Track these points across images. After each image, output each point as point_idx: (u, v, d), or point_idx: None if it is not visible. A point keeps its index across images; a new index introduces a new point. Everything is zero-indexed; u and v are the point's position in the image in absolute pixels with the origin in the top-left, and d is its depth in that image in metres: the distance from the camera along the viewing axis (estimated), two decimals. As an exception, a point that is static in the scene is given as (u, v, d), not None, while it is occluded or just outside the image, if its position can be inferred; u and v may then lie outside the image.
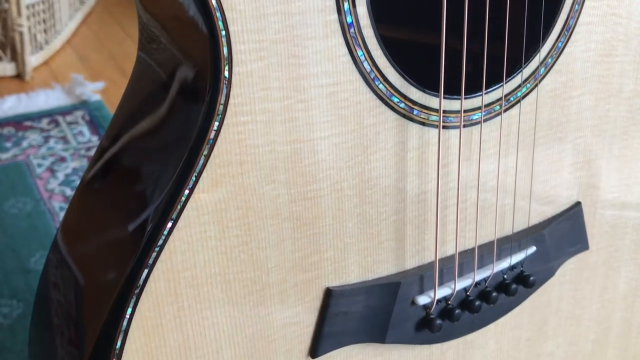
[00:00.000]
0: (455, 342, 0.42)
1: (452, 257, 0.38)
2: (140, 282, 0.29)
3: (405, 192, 0.36)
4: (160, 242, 0.29)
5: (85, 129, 1.31)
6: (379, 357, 0.39)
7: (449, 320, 0.39)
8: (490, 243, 0.39)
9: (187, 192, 0.29)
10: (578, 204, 0.43)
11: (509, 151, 0.39)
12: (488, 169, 0.38)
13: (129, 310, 0.30)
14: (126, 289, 0.29)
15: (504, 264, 0.40)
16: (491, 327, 0.43)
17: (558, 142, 0.41)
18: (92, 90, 1.42)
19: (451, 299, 0.39)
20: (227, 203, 0.30)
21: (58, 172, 1.21)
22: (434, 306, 0.38)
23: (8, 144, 1.28)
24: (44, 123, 1.37)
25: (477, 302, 0.39)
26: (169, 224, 0.29)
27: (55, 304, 0.35)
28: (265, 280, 0.33)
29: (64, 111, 1.40)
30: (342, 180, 0.33)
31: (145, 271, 0.29)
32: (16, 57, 1.53)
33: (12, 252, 1.04)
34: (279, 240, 0.33)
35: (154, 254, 0.29)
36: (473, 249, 0.39)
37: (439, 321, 0.38)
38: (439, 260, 0.38)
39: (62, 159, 1.25)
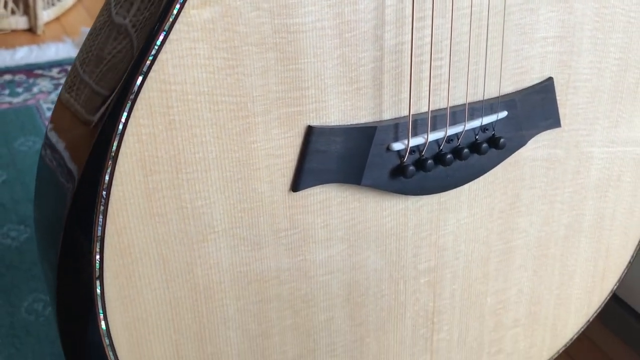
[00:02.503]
0: (429, 200, 0.45)
1: (426, 112, 0.41)
2: (135, 87, 0.32)
3: (383, 40, 0.38)
4: (154, 51, 0.32)
5: (94, 75, 1.34)
6: (356, 202, 0.42)
7: (422, 170, 0.42)
8: (464, 104, 0.42)
9: (178, 6, 0.32)
10: (550, 79, 0.46)
11: (482, 15, 0.42)
12: (462, 30, 0.41)
13: (125, 115, 0.33)
14: (122, 94, 0.33)
15: (476, 122, 0.43)
16: (464, 191, 0.46)
17: (530, 13, 0.43)
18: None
19: (424, 150, 0.42)
20: (215, 23, 0.33)
21: (67, 111, 1.23)
22: (407, 154, 0.41)
23: (19, 89, 1.33)
24: (54, 72, 1.41)
25: (449, 156, 0.42)
26: (162, 35, 0.32)
27: (53, 143, 0.39)
28: (251, 108, 0.36)
29: (74, 61, 1.43)
30: (323, 19, 0.36)
31: (140, 77, 0.32)
32: (28, 11, 1.57)
33: (21, 184, 1.08)
34: (264, 70, 0.36)
35: (148, 62, 0.32)
36: (447, 107, 0.42)
37: (411, 167, 0.41)
38: (414, 114, 0.41)
39: (71, 101, 1.27)
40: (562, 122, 0.48)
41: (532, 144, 0.48)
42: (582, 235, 0.55)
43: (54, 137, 0.38)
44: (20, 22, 1.56)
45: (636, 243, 0.59)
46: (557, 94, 0.47)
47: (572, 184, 0.52)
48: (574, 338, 0.60)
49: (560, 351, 0.60)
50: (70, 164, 0.35)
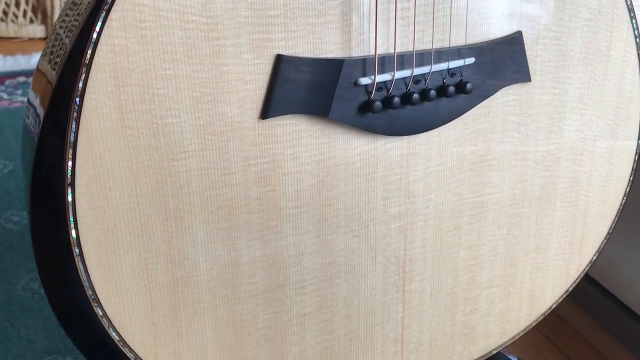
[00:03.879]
0: (398, 144, 0.46)
1: (393, 52, 0.43)
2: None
3: (351, -23, 0.41)
4: (128, -35, 0.35)
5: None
6: (325, 138, 0.44)
7: (389, 108, 0.43)
8: (430, 47, 0.44)
9: None
10: (519, 32, 0.48)
11: (449, -38, 0.44)
12: (429, -25, 0.43)
13: (99, 24, 0.35)
14: (97, 5, 0.35)
15: (442, 65, 0.44)
16: (434, 138, 0.47)
17: (497, -35, 0.46)
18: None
19: (391, 87, 0.43)
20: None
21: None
22: (374, 90, 0.43)
23: (32, 90, 1.37)
24: (67, 76, 1.45)
25: (416, 96, 0.44)
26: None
27: (32, 96, 0.41)
28: (221, 30, 0.38)
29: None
30: (291, -50, 0.39)
31: (114, -11, 0.35)
32: (46, 20, 1.63)
33: (26, 174, 1.12)
34: (233, 3, 0.38)
35: (122, -25, 0.35)
36: (414, 50, 0.43)
37: (378, 103, 0.43)
38: (382, 54, 0.43)
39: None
40: (532, 78, 0.50)
41: (502, 96, 0.49)
42: (558, 199, 0.56)
43: (32, 94, 0.41)
44: (37, 30, 1.62)
45: (614, 214, 0.60)
46: (526, 49, 0.49)
47: (545, 144, 0.53)
48: (553, 307, 0.60)
49: (539, 319, 0.60)
50: (49, 76, 0.37)
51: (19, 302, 0.86)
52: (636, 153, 0.58)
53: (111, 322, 0.40)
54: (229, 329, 0.45)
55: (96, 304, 0.40)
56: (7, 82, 1.36)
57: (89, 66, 0.35)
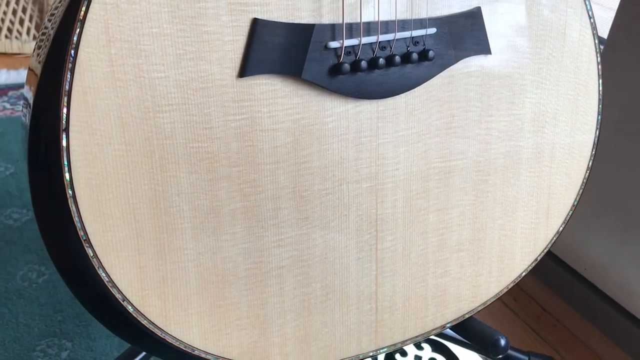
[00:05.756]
0: (368, 107, 0.50)
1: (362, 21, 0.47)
2: (102, -39, 0.39)
3: (320, -49, 0.45)
4: None
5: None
6: (299, 98, 0.48)
7: (357, 71, 0.47)
8: (395, 18, 0.48)
9: None
10: (478, 7, 0.52)
11: (410, -60, 0.48)
12: (392, -48, 0.48)
13: (93, -16, 0.39)
14: (91, -34, 0.39)
15: (406, 33, 0.49)
16: (401, 104, 0.52)
17: (455, -55, 0.50)
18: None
19: (359, 52, 0.47)
20: None
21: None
22: (342, 53, 0.47)
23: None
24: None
25: (382, 60, 0.48)
26: None
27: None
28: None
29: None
30: None
31: (106, -47, 0.39)
32: (49, 37, 1.68)
33: (27, 177, 1.16)
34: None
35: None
36: (379, 19, 0.48)
37: (346, 65, 0.47)
38: (350, 22, 0.47)
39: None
40: (492, 51, 0.54)
41: (464, 67, 0.53)
42: (522, 168, 0.60)
43: (25, 88, 0.45)
44: (40, 47, 1.68)
45: (578, 187, 0.64)
46: (486, 23, 0.53)
47: (507, 114, 0.57)
48: (523, 275, 0.64)
49: (510, 286, 0.63)
50: (42, 50, 0.42)
51: (17, 291, 0.89)
52: (596, 128, 0.62)
53: (101, 263, 0.44)
54: (211, 277, 0.48)
55: (87, 245, 0.43)
56: (10, 93, 1.42)
57: (82, 22, 0.40)
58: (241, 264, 0.49)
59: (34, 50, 0.45)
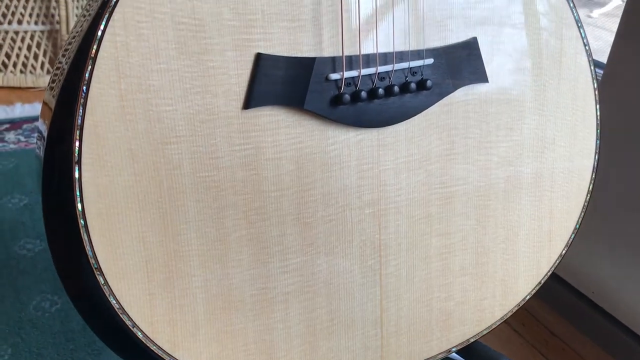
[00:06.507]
0: (369, 136, 0.52)
1: (360, 53, 0.49)
2: (112, 3, 0.41)
3: (320, -13, 0.47)
4: (128, -25, 0.41)
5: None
6: (302, 128, 0.49)
7: (357, 101, 0.49)
8: (392, 50, 0.50)
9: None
10: (474, 38, 0.54)
11: (407, -24, 0.50)
12: (390, -13, 0.50)
13: (103, 24, 0.41)
14: (102, 8, 0.41)
15: (404, 64, 0.50)
16: (401, 132, 0.53)
17: (450, -21, 0.52)
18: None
19: (358, 83, 0.49)
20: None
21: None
22: (343, 85, 0.49)
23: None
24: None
25: (381, 90, 0.50)
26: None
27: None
28: (208, 31, 0.45)
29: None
30: (267, -36, 0.45)
31: (116, -5, 0.41)
32: (62, 71, 1.72)
33: (40, 207, 1.18)
34: (217, 4, 0.44)
35: (123, -18, 0.41)
36: (377, 51, 0.49)
37: (347, 95, 0.48)
38: (349, 54, 0.49)
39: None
40: (489, 79, 0.56)
41: (463, 95, 0.55)
42: (523, 193, 0.61)
43: (40, 121, 0.47)
44: (54, 81, 1.72)
45: (580, 210, 0.65)
46: (482, 53, 0.55)
47: (506, 140, 0.58)
48: (527, 299, 0.64)
49: (514, 310, 0.64)
50: (55, 84, 0.44)
51: (30, 320, 0.90)
52: (596, 153, 0.64)
53: (112, 290, 0.45)
54: (218, 303, 0.49)
55: (99, 273, 0.45)
56: (25, 126, 1.45)
57: (94, 59, 0.42)
58: (247, 290, 0.50)
59: (49, 84, 0.48)
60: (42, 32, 1.67)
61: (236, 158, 0.48)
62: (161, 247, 0.47)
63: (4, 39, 1.65)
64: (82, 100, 0.42)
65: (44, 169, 0.43)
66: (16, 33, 1.64)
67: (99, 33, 0.42)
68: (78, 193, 0.43)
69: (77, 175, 0.43)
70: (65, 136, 0.43)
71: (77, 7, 1.65)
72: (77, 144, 0.43)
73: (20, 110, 1.52)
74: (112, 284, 0.45)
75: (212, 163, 0.47)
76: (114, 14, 0.42)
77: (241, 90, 0.47)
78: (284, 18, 0.47)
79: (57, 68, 0.46)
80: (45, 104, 0.47)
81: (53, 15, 1.67)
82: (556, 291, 0.98)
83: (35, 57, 1.68)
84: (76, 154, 0.43)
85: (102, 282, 0.45)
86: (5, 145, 1.39)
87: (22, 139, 1.40)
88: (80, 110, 0.42)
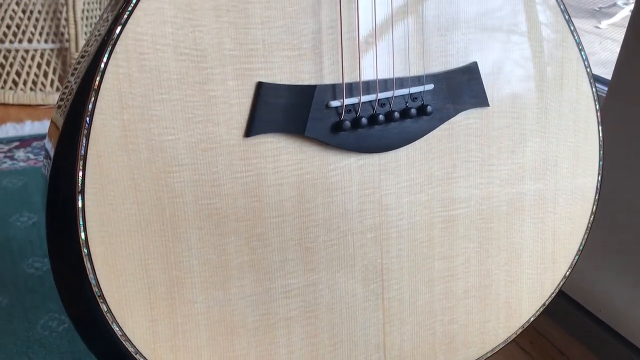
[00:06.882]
0: (370, 161, 0.52)
1: (360, 79, 0.50)
2: (115, 35, 0.42)
3: (321, 16, 0.48)
4: (130, 8, 0.42)
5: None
6: (304, 154, 0.50)
7: (358, 127, 0.49)
8: (392, 76, 0.51)
9: (150, -26, 0.42)
10: (474, 62, 0.54)
11: (406, 2, 0.51)
12: (386, 13, 0.50)
13: (106, 56, 0.42)
14: (105, 40, 0.42)
15: (404, 91, 0.51)
16: (402, 156, 0.53)
17: (450, 5, 0.53)
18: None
19: (359, 109, 0.50)
20: (179, -9, 0.43)
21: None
22: (343, 112, 0.49)
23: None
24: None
25: (381, 117, 0.50)
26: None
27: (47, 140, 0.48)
28: (209, 61, 0.45)
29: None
30: (268, -6, 0.46)
31: (119, 27, 0.42)
32: (72, 88, 1.74)
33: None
34: (219, 31, 0.45)
35: (126, 16, 0.42)
36: (377, 78, 0.50)
37: (347, 122, 0.49)
38: (349, 82, 0.49)
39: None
40: (490, 103, 0.56)
41: (464, 119, 0.55)
42: (525, 215, 0.61)
43: (47, 140, 0.48)
44: (63, 98, 1.74)
45: (584, 231, 0.64)
46: (483, 77, 0.55)
47: (508, 163, 0.58)
48: (531, 320, 0.64)
49: (519, 332, 0.64)
50: (63, 104, 0.44)
51: (37, 340, 0.91)
52: (598, 174, 0.64)
53: (114, 318, 0.46)
54: (221, 329, 0.50)
55: (102, 300, 0.45)
56: (34, 144, 1.46)
57: (97, 91, 0.42)
58: (250, 316, 0.51)
59: (57, 102, 0.48)
60: (51, 50, 1.69)
61: (238, 185, 0.48)
62: (163, 274, 0.47)
63: (14, 58, 1.67)
64: (85, 132, 0.43)
65: (48, 197, 0.44)
66: (26, 51, 1.67)
67: (102, 65, 0.42)
68: (81, 222, 0.44)
69: (80, 204, 0.44)
70: (69, 167, 0.43)
71: (86, 26, 1.67)
72: (80, 174, 0.43)
73: (30, 127, 1.54)
74: (115, 311, 0.46)
75: (214, 190, 0.47)
76: (116, 46, 0.42)
77: (242, 119, 0.47)
78: (285, 47, 0.47)
79: (66, 87, 0.47)
80: (53, 122, 0.47)
81: (62, 34, 1.69)
82: (564, 309, 0.97)
83: (45, 75, 1.70)
84: (79, 184, 0.43)
85: (105, 310, 0.46)
86: (15, 163, 1.40)
87: (32, 156, 1.42)
88: (84, 141, 0.43)
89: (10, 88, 1.69)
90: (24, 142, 1.50)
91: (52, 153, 0.45)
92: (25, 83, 1.68)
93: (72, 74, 0.47)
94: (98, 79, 0.42)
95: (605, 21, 2.99)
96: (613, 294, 0.90)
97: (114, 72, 0.43)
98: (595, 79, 0.85)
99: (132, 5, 0.42)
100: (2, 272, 1.05)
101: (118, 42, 0.42)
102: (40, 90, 1.68)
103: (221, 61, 0.46)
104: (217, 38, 0.45)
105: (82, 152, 0.43)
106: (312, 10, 0.48)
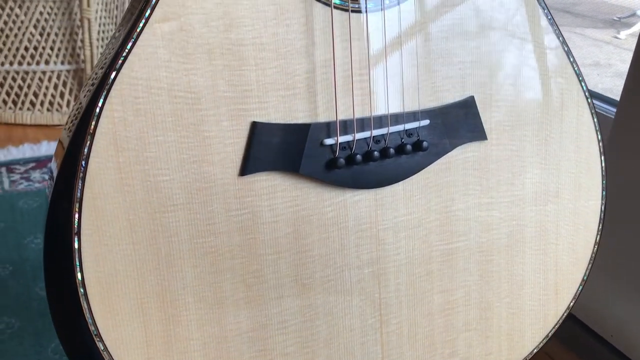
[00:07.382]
0: (366, 196, 0.52)
1: (354, 117, 0.50)
2: (110, 80, 0.43)
3: (314, 56, 0.48)
4: (125, 53, 0.43)
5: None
6: (299, 191, 0.50)
7: (353, 164, 0.50)
8: (386, 113, 0.51)
9: (144, 20, 0.43)
10: (471, 97, 0.54)
11: (398, 39, 0.51)
12: (379, 52, 0.50)
13: (101, 101, 0.43)
14: (100, 85, 0.43)
15: (399, 127, 0.51)
16: (399, 191, 0.53)
17: (445, 41, 0.53)
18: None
19: (354, 147, 0.50)
20: (173, 35, 0.44)
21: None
22: (338, 149, 0.49)
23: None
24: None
25: (376, 153, 0.50)
26: (131, 42, 0.43)
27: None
28: (204, 103, 0.46)
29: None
30: (261, 36, 0.46)
31: (114, 73, 0.43)
32: (88, 108, 1.77)
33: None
34: (213, 73, 0.46)
35: (120, 61, 0.43)
36: (372, 115, 0.50)
37: (342, 160, 0.49)
38: (343, 119, 0.49)
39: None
40: (488, 136, 0.56)
41: (461, 153, 0.55)
42: (526, 247, 0.60)
43: (53, 161, 0.49)
44: (79, 118, 1.76)
45: (587, 261, 0.64)
46: (480, 111, 0.55)
47: (507, 195, 0.58)
48: (535, 352, 0.63)
49: (521, 365, 0.63)
50: (64, 143, 0.45)
51: (48, 363, 0.92)
52: (602, 203, 0.63)
53: (111, 356, 0.46)
54: (218, 365, 0.50)
55: (98, 339, 0.46)
56: (50, 164, 1.49)
57: (92, 135, 0.43)
58: (246, 352, 0.51)
59: (66, 122, 0.49)
60: (67, 71, 1.72)
61: (233, 223, 0.48)
62: (159, 312, 0.48)
63: (32, 79, 1.70)
64: (81, 175, 0.43)
65: (45, 238, 0.45)
66: (44, 73, 1.70)
67: (97, 110, 0.43)
68: (77, 263, 0.44)
69: (76, 245, 0.44)
70: (65, 209, 0.44)
71: (101, 47, 1.70)
72: (76, 216, 0.44)
73: (46, 148, 1.56)
74: (112, 349, 0.46)
75: (209, 229, 0.48)
76: (111, 91, 0.43)
77: (237, 158, 0.48)
78: (279, 87, 0.48)
79: (75, 106, 0.48)
80: (60, 142, 0.48)
81: (79, 55, 1.72)
82: (575, 334, 0.96)
83: (62, 95, 1.73)
84: (75, 226, 0.44)
85: (102, 349, 0.46)
86: (31, 184, 1.43)
87: (47, 177, 1.44)
88: (80, 184, 0.44)
89: (28, 109, 1.72)
90: (40, 162, 1.52)
91: (57, 169, 0.46)
92: (42, 104, 1.71)
93: (83, 91, 0.47)
94: (93, 123, 0.43)
95: (624, 31, 2.96)
96: (625, 320, 0.88)
97: (109, 117, 0.44)
98: (605, 100, 0.84)
99: (126, 50, 0.43)
100: (15, 295, 1.07)
101: (113, 87, 0.43)
102: (57, 110, 1.71)
103: (215, 103, 0.46)
104: (211, 80, 0.46)
105: (78, 194, 0.44)
106: (306, 51, 0.48)
